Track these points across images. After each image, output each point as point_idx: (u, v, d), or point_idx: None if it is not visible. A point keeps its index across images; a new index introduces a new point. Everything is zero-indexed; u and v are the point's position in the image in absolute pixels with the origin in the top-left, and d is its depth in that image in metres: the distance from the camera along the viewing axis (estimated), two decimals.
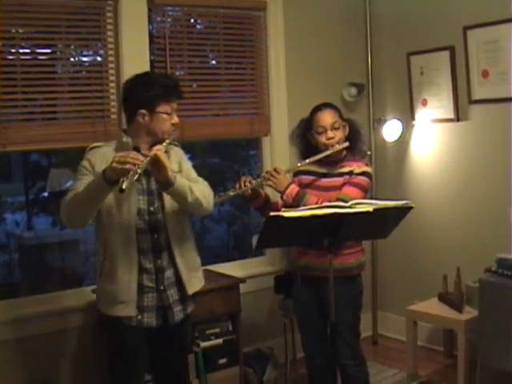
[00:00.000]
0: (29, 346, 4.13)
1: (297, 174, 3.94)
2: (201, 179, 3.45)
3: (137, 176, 2.94)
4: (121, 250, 3.20)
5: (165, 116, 3.23)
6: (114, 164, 2.92)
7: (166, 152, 3.22)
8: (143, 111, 3.19)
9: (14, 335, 4.07)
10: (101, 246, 3.28)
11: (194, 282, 3.42)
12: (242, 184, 3.72)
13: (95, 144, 3.34)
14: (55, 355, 4.23)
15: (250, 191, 3.74)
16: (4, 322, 4.04)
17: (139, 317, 3.25)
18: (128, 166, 2.91)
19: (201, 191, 3.29)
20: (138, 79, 3.32)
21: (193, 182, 3.33)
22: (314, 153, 3.81)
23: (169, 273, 3.31)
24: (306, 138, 3.90)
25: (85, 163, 3.24)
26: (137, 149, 3.21)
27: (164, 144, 3.19)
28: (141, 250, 3.23)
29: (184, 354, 3.60)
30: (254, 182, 3.73)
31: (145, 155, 3.07)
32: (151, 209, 3.26)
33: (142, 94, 3.20)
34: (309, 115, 3.89)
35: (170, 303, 3.32)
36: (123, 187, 2.87)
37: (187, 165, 3.46)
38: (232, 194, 3.70)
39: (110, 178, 2.95)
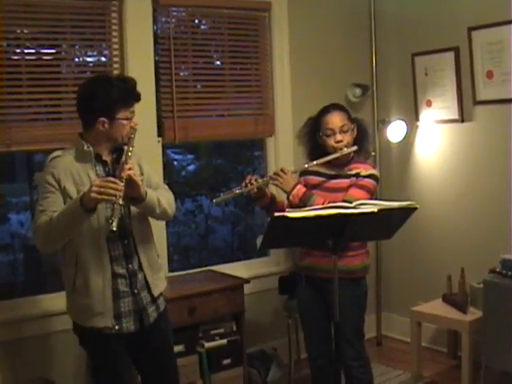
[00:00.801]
0: (32, 346, 4.14)
1: (304, 174, 3.93)
2: (161, 184, 3.47)
3: (121, 207, 2.96)
4: (92, 260, 3.14)
5: (124, 122, 3.16)
6: (94, 194, 2.88)
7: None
8: (103, 119, 3.10)
9: (16, 335, 4.08)
10: (70, 259, 3.18)
11: (158, 284, 3.39)
12: (248, 182, 3.71)
13: (55, 154, 3.22)
14: (59, 355, 4.24)
15: (255, 190, 3.73)
16: (8, 321, 4.05)
17: (117, 327, 3.21)
18: (111, 198, 2.90)
19: (166, 200, 3.31)
20: (95, 84, 3.20)
21: (155, 186, 3.34)
22: (322, 153, 3.80)
23: (140, 276, 3.28)
24: (313, 137, 3.88)
25: (49, 178, 3.12)
26: (98, 156, 3.19)
27: (129, 154, 3.13)
28: (113, 257, 3.19)
29: (168, 351, 3.53)
30: (260, 180, 3.72)
31: (119, 178, 3.01)
32: None
33: (101, 101, 3.10)
34: (317, 115, 3.87)
35: (144, 305, 3.29)
36: (114, 228, 2.91)
37: (147, 167, 3.41)
38: (238, 191, 3.70)
39: (88, 207, 2.93)
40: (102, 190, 2.89)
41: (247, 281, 4.60)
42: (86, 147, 3.16)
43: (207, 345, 4.40)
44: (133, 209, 3.24)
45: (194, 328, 4.39)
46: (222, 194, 3.76)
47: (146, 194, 3.14)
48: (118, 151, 3.24)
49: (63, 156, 3.19)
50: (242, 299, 4.53)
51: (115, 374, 3.32)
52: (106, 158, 3.22)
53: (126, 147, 3.19)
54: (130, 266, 3.24)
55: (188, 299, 4.24)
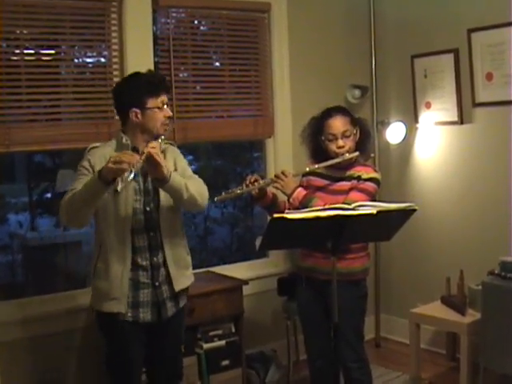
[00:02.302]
0: (32, 347, 4.14)
1: (307, 174, 3.93)
2: (196, 176, 3.50)
3: (132, 176, 3.01)
4: (115, 248, 3.26)
5: (156, 110, 3.28)
6: (110, 164, 2.98)
7: (163, 152, 3.30)
8: (135, 109, 3.25)
9: (16, 335, 4.07)
10: (96, 244, 3.36)
11: (183, 280, 3.47)
12: (249, 183, 3.73)
13: (94, 144, 3.39)
14: (58, 356, 4.23)
15: (257, 190, 3.76)
16: (7, 322, 4.04)
17: (130, 314, 3.30)
18: (123, 166, 2.97)
19: (196, 188, 3.34)
20: (125, 81, 3.44)
21: (187, 178, 3.38)
22: (324, 155, 3.80)
23: (163, 270, 3.37)
24: (316, 139, 3.87)
25: (85, 163, 3.28)
26: (135, 149, 3.27)
27: (159, 141, 3.25)
28: (136, 248, 3.29)
29: (178, 348, 3.63)
30: (261, 181, 3.75)
31: (141, 153, 3.12)
32: (147, 208, 3.32)
33: (130, 93, 3.27)
34: (320, 117, 3.85)
35: (163, 298, 3.38)
36: (118, 189, 2.99)
37: (182, 162, 3.51)
38: (239, 191, 3.73)
39: (106, 178, 3.01)
40: (118, 159, 2.98)
41: (246, 282, 4.60)
42: (124, 140, 3.31)
43: (206, 346, 4.40)
44: (163, 204, 3.32)
45: (193, 329, 4.38)
46: (223, 193, 3.77)
47: (170, 175, 3.18)
48: None
49: (101, 147, 3.36)
50: (241, 300, 4.53)
51: (126, 362, 3.39)
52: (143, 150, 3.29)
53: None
54: (155, 258, 3.34)
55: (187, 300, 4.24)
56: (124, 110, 3.30)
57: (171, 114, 3.38)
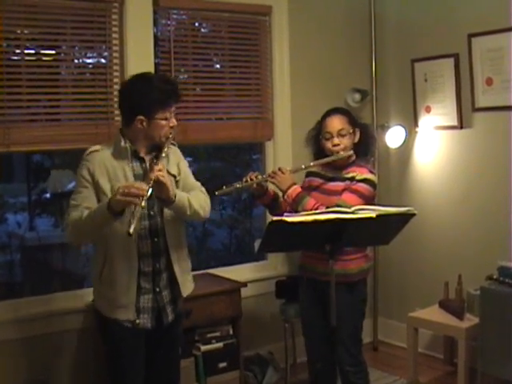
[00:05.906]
0: (28, 347, 4.13)
1: (308, 175, 3.98)
2: (198, 184, 3.47)
3: (141, 210, 2.98)
4: (121, 255, 3.19)
5: (163, 122, 3.20)
6: (119, 196, 2.93)
7: (166, 156, 3.27)
8: (141, 117, 3.15)
9: (13, 335, 4.07)
10: (100, 250, 3.27)
11: (188, 285, 3.46)
12: (249, 178, 3.76)
13: (93, 148, 3.26)
14: (54, 356, 4.23)
15: (255, 185, 3.79)
16: (4, 322, 4.04)
17: (138, 321, 3.26)
18: (133, 200, 2.94)
19: (199, 202, 3.30)
20: (136, 83, 3.24)
21: (189, 188, 3.36)
22: (324, 155, 3.84)
23: (164, 275, 3.33)
24: (318, 140, 3.91)
25: (84, 173, 3.18)
26: (136, 152, 3.23)
27: (163, 155, 3.20)
28: (141, 254, 3.23)
29: (175, 352, 3.58)
30: (260, 177, 3.79)
31: (147, 181, 3.04)
32: (151, 213, 3.25)
33: (140, 100, 3.15)
34: (320, 118, 3.90)
35: (164, 304, 3.34)
36: (130, 231, 2.90)
37: (185, 167, 3.46)
38: (238, 186, 3.75)
39: (115, 210, 2.98)
40: (126, 191, 2.93)
41: (244, 284, 4.60)
42: (122, 143, 3.21)
43: (203, 348, 4.41)
44: (166, 209, 3.26)
45: (191, 331, 4.38)
46: (224, 187, 3.78)
47: (176, 196, 3.14)
48: (157, 151, 3.27)
49: (101, 151, 3.25)
50: (239, 303, 4.53)
51: (131, 366, 3.34)
52: (144, 155, 3.26)
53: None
54: (157, 264, 3.29)
55: (185, 302, 4.23)
56: (130, 115, 3.19)
57: (176, 123, 3.27)
